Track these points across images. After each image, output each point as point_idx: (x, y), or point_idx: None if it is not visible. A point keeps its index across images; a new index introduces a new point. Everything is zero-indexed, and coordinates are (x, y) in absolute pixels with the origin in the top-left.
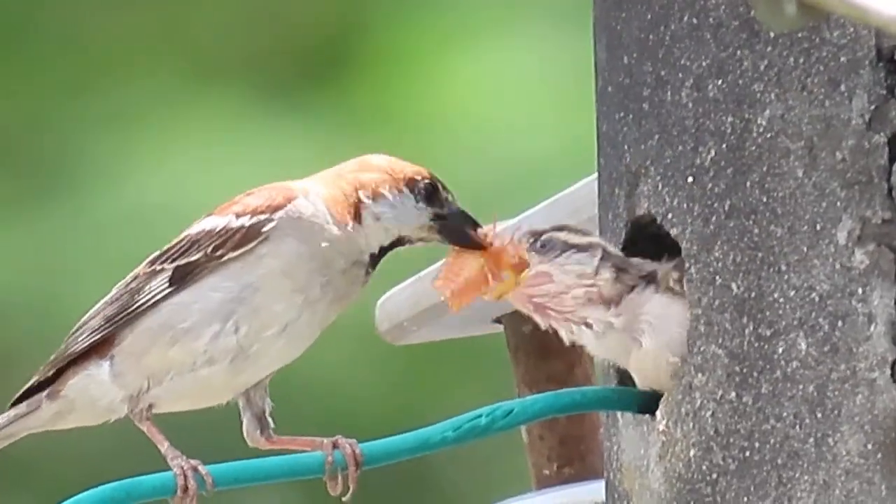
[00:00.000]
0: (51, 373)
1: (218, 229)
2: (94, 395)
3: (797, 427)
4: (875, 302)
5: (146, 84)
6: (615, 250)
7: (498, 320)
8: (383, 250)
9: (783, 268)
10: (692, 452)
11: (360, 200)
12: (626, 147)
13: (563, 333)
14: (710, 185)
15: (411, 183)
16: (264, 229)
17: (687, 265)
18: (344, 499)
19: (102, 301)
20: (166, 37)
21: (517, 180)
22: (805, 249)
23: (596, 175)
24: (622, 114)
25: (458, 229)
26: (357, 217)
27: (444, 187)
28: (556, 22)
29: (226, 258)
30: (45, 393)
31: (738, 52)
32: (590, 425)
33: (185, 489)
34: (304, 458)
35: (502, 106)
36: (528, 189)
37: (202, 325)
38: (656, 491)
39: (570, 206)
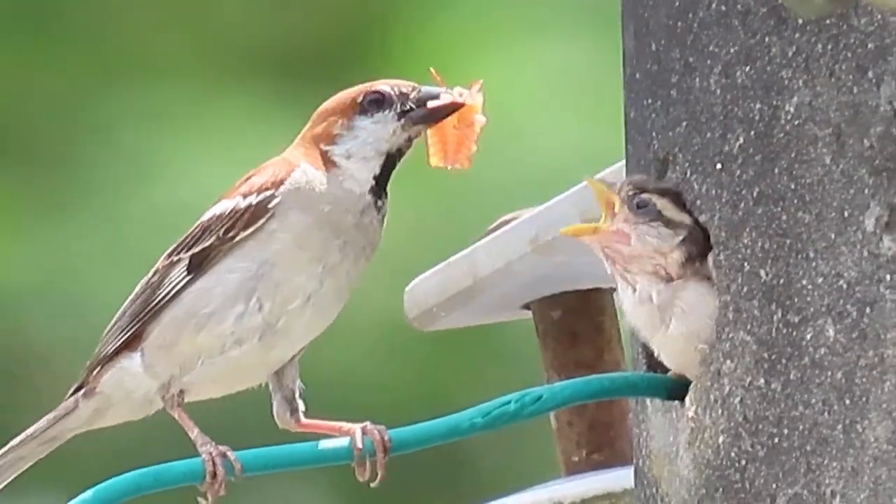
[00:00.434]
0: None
1: (227, 212)
2: (129, 387)
3: (825, 414)
4: None
5: (173, 85)
6: (700, 236)
7: (526, 306)
8: (380, 178)
9: (811, 254)
10: (721, 439)
11: (325, 152)
12: (654, 134)
13: (617, 284)
14: (738, 172)
15: (355, 107)
16: (270, 205)
17: (716, 252)
18: (372, 485)
19: (128, 300)
20: (195, 38)
21: (541, 178)
22: (833, 236)
23: (623, 163)
24: (650, 100)
25: (428, 111)
26: (333, 165)
27: (394, 85)
28: (577, 17)
29: (238, 238)
30: (80, 393)
31: (767, 39)
32: (619, 411)
33: (214, 475)
34: (332, 444)
35: (526, 104)
36: (553, 187)
37: (225, 308)
38: (685, 477)
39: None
